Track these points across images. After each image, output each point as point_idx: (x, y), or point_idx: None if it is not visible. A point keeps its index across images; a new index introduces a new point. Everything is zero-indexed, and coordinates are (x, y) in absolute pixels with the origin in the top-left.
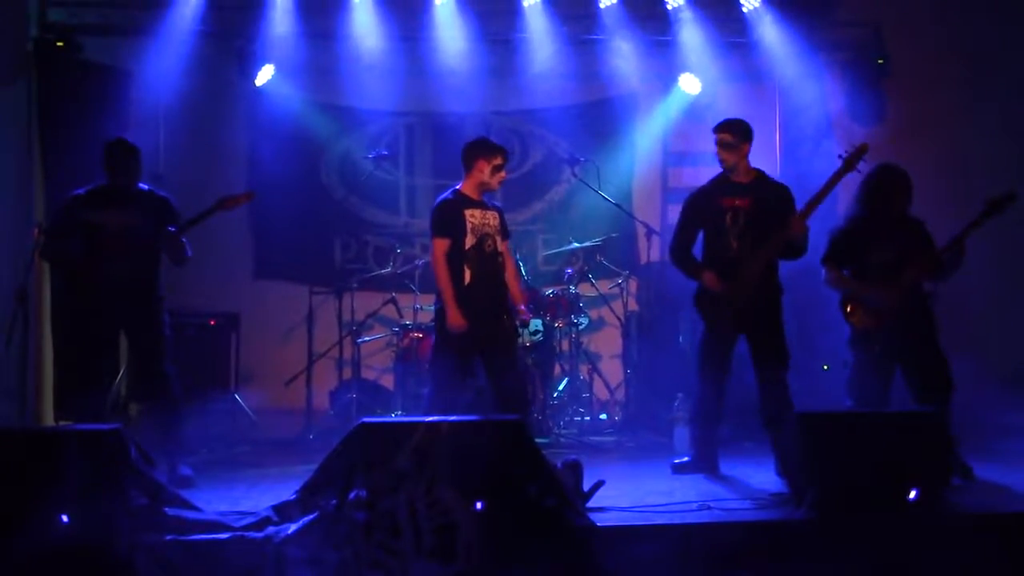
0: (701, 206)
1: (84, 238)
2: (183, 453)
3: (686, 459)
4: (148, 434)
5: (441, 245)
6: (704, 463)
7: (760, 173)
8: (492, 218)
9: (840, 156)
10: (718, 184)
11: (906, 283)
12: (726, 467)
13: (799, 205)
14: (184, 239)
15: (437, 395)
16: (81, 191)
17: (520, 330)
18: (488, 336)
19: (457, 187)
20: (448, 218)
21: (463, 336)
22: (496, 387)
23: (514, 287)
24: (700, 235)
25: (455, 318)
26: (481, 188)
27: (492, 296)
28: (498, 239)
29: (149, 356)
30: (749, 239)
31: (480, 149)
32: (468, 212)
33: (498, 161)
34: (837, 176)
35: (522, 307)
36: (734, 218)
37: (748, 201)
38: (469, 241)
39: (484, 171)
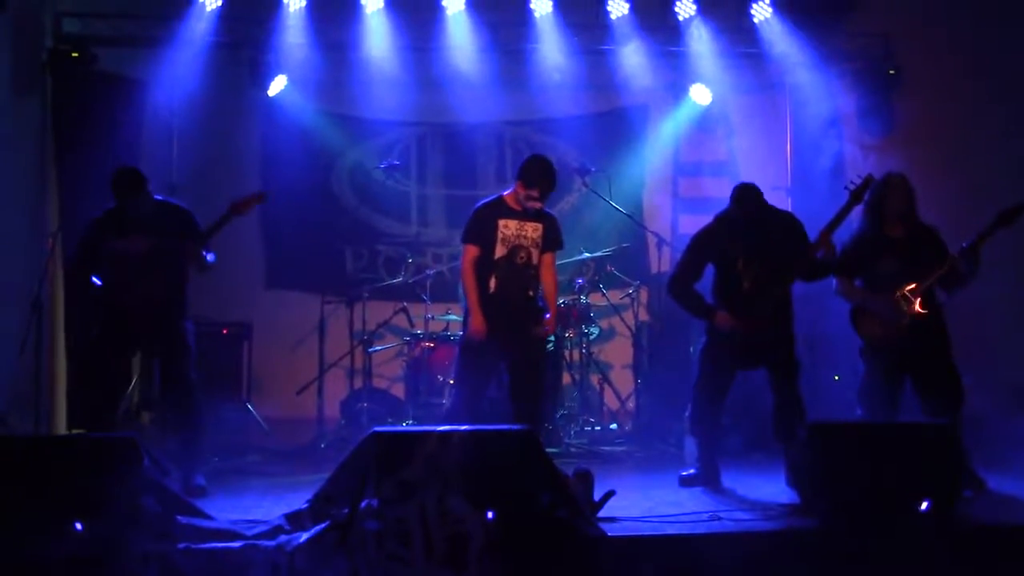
0: (711, 248)
1: (110, 265)
2: (200, 463)
3: (692, 471)
4: (163, 442)
5: (470, 251)
6: (708, 476)
7: (766, 207)
8: (532, 229)
9: (847, 187)
10: (727, 225)
11: (919, 292)
12: (737, 478)
13: (805, 224)
14: (204, 252)
15: (459, 398)
16: (99, 215)
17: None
18: (511, 346)
19: (504, 193)
20: (479, 226)
21: (485, 343)
22: (512, 397)
23: (550, 300)
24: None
25: (477, 323)
26: (518, 202)
27: (517, 307)
28: (534, 251)
29: (174, 366)
30: (762, 279)
31: (524, 172)
32: (502, 222)
33: (533, 193)
34: (846, 209)
35: (548, 319)
36: (747, 263)
37: (760, 246)
38: (499, 251)
39: (520, 192)
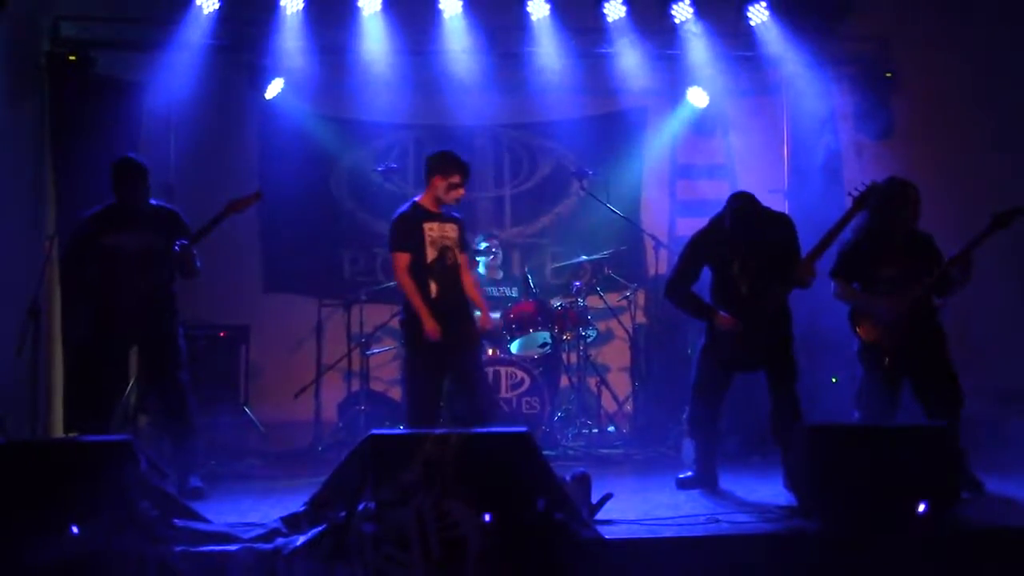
0: (707, 251)
1: (100, 263)
2: (195, 465)
3: (690, 474)
4: (160, 446)
5: (402, 259)
6: (705, 478)
7: (762, 211)
8: (451, 230)
9: (850, 194)
10: (723, 229)
11: (914, 297)
12: (735, 480)
13: (801, 227)
14: (195, 251)
15: (414, 409)
16: (92, 213)
17: (483, 340)
18: (456, 346)
19: (416, 199)
20: (406, 232)
21: (436, 347)
22: (463, 394)
23: (476, 297)
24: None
25: (432, 326)
26: (438, 202)
27: (458, 308)
28: (457, 251)
29: (165, 369)
30: (758, 282)
31: (438, 165)
32: (427, 225)
33: (455, 180)
34: (848, 216)
35: (482, 316)
36: (743, 266)
37: (757, 248)
38: (430, 254)
39: (439, 187)
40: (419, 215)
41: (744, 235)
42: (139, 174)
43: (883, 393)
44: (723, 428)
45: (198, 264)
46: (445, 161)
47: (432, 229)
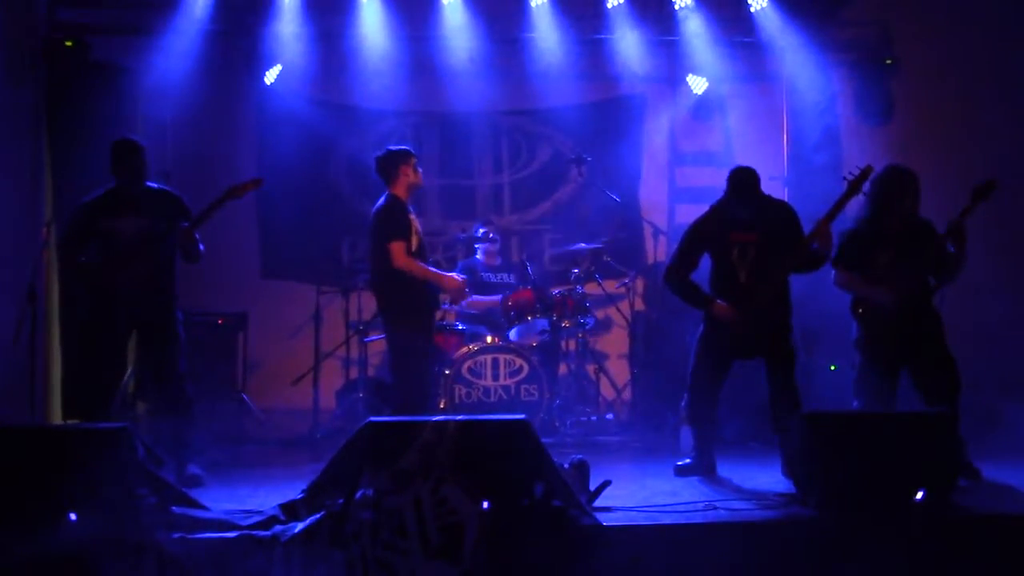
0: (706, 238)
1: (100, 246)
2: (192, 452)
3: (688, 461)
4: (157, 433)
5: (403, 246)
6: (703, 465)
7: (762, 196)
8: (415, 219)
9: (845, 178)
10: (723, 214)
11: (912, 284)
12: (733, 468)
13: (802, 214)
14: (197, 234)
15: (418, 393)
16: (91, 197)
17: None
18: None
19: (392, 193)
20: (404, 221)
21: (429, 331)
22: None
23: None
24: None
25: (461, 283)
26: (410, 189)
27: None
28: None
29: (164, 356)
30: (757, 270)
31: (399, 156)
32: (411, 216)
33: (414, 161)
34: (844, 199)
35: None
36: (742, 253)
37: (756, 235)
38: (415, 243)
39: (409, 173)
40: (405, 206)
41: (746, 202)
42: (137, 153)
43: (882, 381)
44: (721, 415)
45: (201, 248)
46: (400, 152)
47: (413, 220)
